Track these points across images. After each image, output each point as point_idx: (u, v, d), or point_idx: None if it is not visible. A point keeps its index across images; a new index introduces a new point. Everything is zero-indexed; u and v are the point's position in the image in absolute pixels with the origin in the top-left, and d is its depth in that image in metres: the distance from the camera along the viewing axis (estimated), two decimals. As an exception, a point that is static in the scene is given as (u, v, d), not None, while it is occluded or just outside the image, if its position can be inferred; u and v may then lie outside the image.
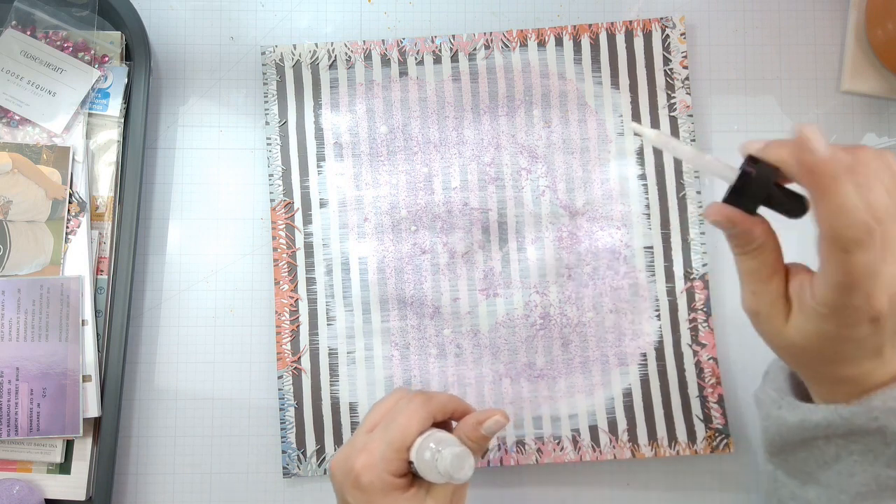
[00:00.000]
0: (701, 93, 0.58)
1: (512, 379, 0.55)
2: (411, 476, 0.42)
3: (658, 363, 0.55)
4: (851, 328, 0.33)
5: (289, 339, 0.55)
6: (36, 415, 0.51)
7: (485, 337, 0.55)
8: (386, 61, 0.57)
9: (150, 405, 0.55)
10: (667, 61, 0.57)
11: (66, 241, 0.52)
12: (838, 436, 0.36)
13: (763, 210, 0.36)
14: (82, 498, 0.52)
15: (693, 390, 0.55)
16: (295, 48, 0.56)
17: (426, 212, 0.56)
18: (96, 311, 0.53)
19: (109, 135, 0.54)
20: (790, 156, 0.33)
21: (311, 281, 0.55)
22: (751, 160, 0.35)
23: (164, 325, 0.56)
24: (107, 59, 0.54)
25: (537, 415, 0.54)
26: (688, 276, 0.55)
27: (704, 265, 0.55)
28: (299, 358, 0.55)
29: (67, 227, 0.52)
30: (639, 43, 0.57)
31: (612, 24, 0.57)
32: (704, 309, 0.55)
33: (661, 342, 0.55)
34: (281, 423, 0.54)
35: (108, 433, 0.51)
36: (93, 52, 0.54)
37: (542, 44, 0.57)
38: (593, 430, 0.54)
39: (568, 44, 0.57)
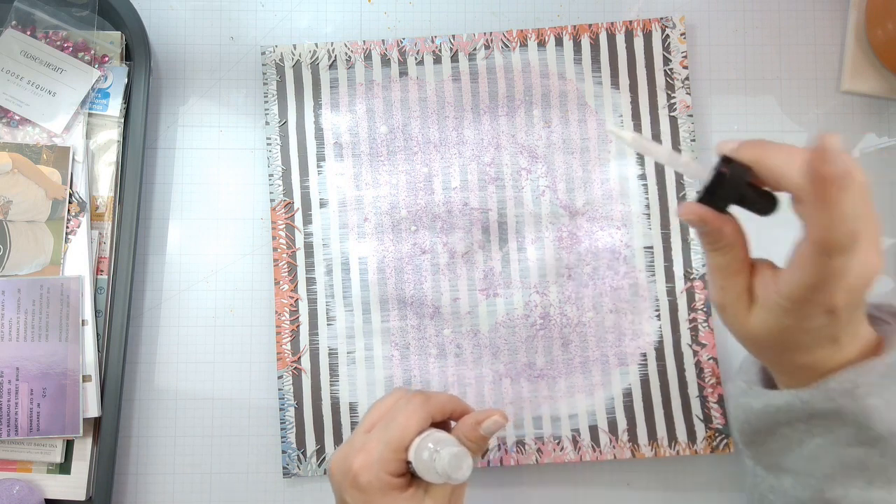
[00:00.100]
0: (701, 93, 0.58)
1: (512, 379, 0.55)
2: (410, 476, 0.42)
3: (658, 363, 0.55)
4: (809, 320, 0.35)
5: (289, 339, 0.55)
6: (36, 415, 0.51)
7: (485, 337, 0.55)
8: (386, 61, 0.57)
9: (150, 405, 0.55)
10: (667, 61, 0.57)
11: (66, 241, 0.52)
12: (800, 420, 0.38)
13: (734, 208, 0.37)
14: (82, 498, 0.52)
15: (693, 390, 0.55)
16: (295, 48, 0.56)
17: (426, 212, 0.56)
18: (96, 311, 0.53)
19: (109, 135, 0.54)
20: (795, 162, 0.34)
21: (311, 281, 0.55)
22: (725, 160, 0.36)
23: (164, 325, 0.56)
24: (107, 59, 0.54)
25: (537, 415, 0.54)
26: (688, 276, 0.55)
27: (704, 265, 0.55)
28: (299, 358, 0.55)
29: (67, 227, 0.52)
30: (639, 43, 0.57)
31: (612, 24, 0.57)
32: (704, 309, 0.55)
33: (661, 342, 0.55)
34: (281, 423, 0.54)
35: (108, 433, 0.51)
36: (93, 52, 0.54)
37: (542, 44, 0.57)
38: (593, 430, 0.54)
39: (568, 44, 0.57)
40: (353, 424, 0.54)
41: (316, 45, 0.57)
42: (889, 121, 0.59)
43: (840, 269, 0.33)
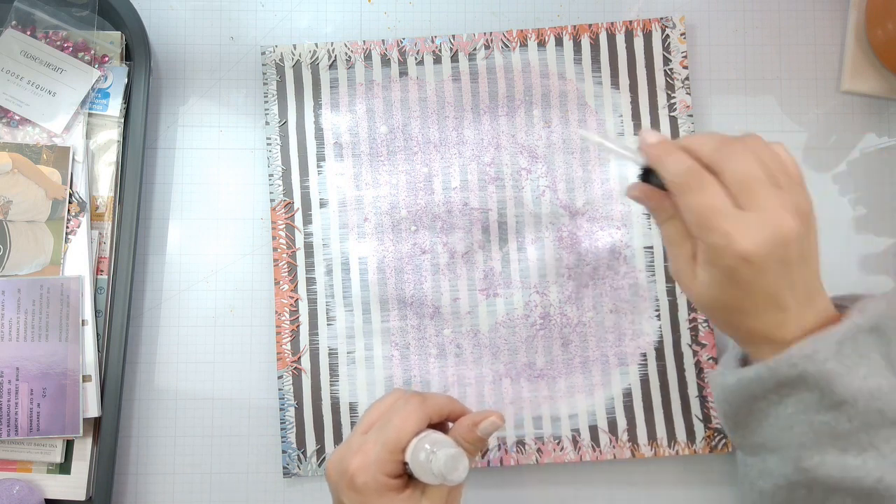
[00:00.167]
0: (701, 93, 0.58)
1: (512, 379, 0.55)
2: (406, 477, 0.42)
3: (658, 363, 0.55)
4: (733, 272, 0.38)
5: (289, 339, 0.55)
6: (36, 415, 0.51)
7: (485, 337, 0.55)
8: (386, 61, 0.57)
9: (150, 405, 0.55)
10: (667, 61, 0.57)
11: (66, 241, 0.52)
12: (770, 391, 0.40)
13: None
14: (82, 498, 0.52)
15: (693, 390, 0.55)
16: (295, 48, 0.56)
17: (426, 212, 0.56)
18: (96, 311, 0.53)
19: (109, 135, 0.54)
20: (680, 164, 0.40)
21: (311, 281, 0.55)
22: None
23: (164, 325, 0.56)
24: (107, 59, 0.54)
25: (537, 415, 0.54)
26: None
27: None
28: (299, 358, 0.55)
29: (67, 227, 0.52)
30: (639, 43, 0.57)
31: (612, 24, 0.57)
32: (704, 309, 0.55)
33: (660, 342, 0.55)
34: (281, 423, 0.54)
35: (108, 433, 0.51)
36: (93, 52, 0.54)
37: (542, 44, 0.57)
38: (593, 430, 0.54)
39: (568, 44, 0.57)
40: (353, 424, 0.54)
41: (316, 45, 0.57)
42: (889, 121, 0.59)
43: (702, 205, 0.38)
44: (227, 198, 0.57)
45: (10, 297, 0.51)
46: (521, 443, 0.54)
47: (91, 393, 0.51)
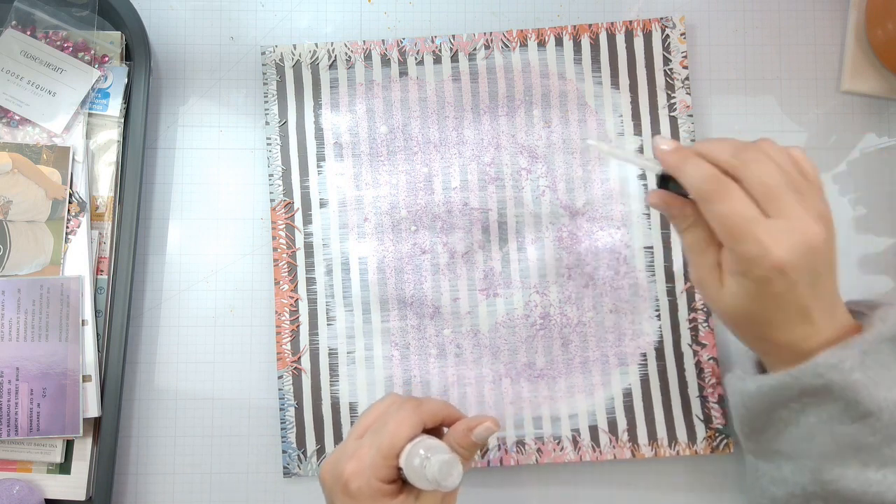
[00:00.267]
0: (701, 93, 0.58)
1: (512, 379, 0.55)
2: (401, 482, 0.42)
3: (658, 363, 0.55)
4: (766, 283, 0.37)
5: (289, 339, 0.55)
6: (36, 415, 0.51)
7: (485, 337, 0.55)
8: (386, 61, 0.57)
9: (150, 405, 0.55)
10: (667, 61, 0.57)
11: (66, 241, 0.52)
12: (792, 399, 0.39)
13: None
14: (82, 498, 0.52)
15: (693, 390, 0.55)
16: (295, 48, 0.56)
17: (426, 212, 0.56)
18: (96, 311, 0.53)
19: (109, 135, 0.54)
20: (702, 172, 0.39)
21: (311, 281, 0.55)
22: None
23: (164, 325, 0.56)
24: (107, 59, 0.54)
25: (537, 415, 0.54)
26: (688, 276, 0.55)
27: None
28: (299, 358, 0.55)
29: (67, 227, 0.52)
30: (639, 43, 0.57)
31: (612, 24, 0.57)
32: (704, 309, 0.55)
33: (661, 342, 0.55)
34: (281, 423, 0.54)
35: (108, 433, 0.51)
36: (93, 52, 0.54)
37: (542, 44, 0.57)
38: (593, 430, 0.54)
39: (568, 44, 0.57)
40: (354, 424, 0.54)
41: (316, 45, 0.57)
42: (889, 121, 0.59)
43: (732, 214, 0.37)
44: (227, 198, 0.57)
45: (10, 297, 0.51)
46: (521, 443, 0.54)
47: (91, 393, 0.51)
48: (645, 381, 0.55)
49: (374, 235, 0.56)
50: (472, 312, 0.55)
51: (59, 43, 0.54)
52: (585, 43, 0.57)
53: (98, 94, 0.54)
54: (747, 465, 0.47)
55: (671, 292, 0.55)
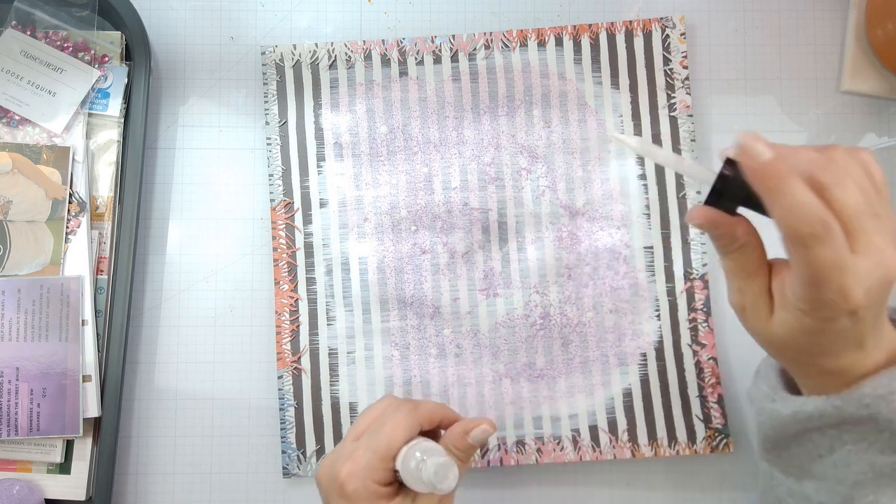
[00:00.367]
0: (701, 93, 0.58)
1: (512, 379, 0.55)
2: (397, 485, 0.42)
3: (658, 363, 0.55)
4: (831, 322, 0.34)
5: (289, 339, 0.55)
6: (36, 415, 0.51)
7: (485, 337, 0.55)
8: (386, 61, 0.57)
9: (150, 405, 0.55)
10: (667, 61, 0.57)
11: (66, 241, 0.52)
12: (831, 426, 0.37)
13: (745, 210, 0.36)
14: (82, 498, 0.52)
15: (693, 390, 0.55)
16: (295, 48, 0.56)
17: (426, 212, 0.56)
18: (96, 311, 0.53)
19: (109, 135, 0.54)
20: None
21: (311, 281, 0.55)
22: (729, 163, 0.35)
23: (164, 325, 0.56)
24: (107, 59, 0.54)
25: (537, 415, 0.54)
26: (688, 276, 0.55)
27: (704, 265, 0.55)
28: (299, 358, 0.55)
29: (67, 227, 0.52)
30: (639, 43, 0.57)
31: (612, 24, 0.57)
32: (704, 309, 0.55)
33: (661, 342, 0.55)
34: (281, 423, 0.54)
35: (108, 433, 0.51)
36: (93, 52, 0.54)
37: (542, 44, 0.57)
38: (593, 430, 0.54)
39: (568, 44, 0.57)
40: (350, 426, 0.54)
41: (316, 45, 0.57)
42: (889, 121, 0.59)
43: (827, 260, 0.32)
44: (227, 198, 0.57)
45: (10, 297, 0.51)
46: (521, 443, 0.54)
47: (91, 393, 0.51)
48: (645, 381, 0.55)
49: (374, 235, 0.56)
50: (472, 312, 0.55)
51: (59, 43, 0.54)
52: (585, 43, 0.57)
53: (98, 94, 0.54)
54: (761, 471, 0.45)
55: (671, 292, 0.55)
